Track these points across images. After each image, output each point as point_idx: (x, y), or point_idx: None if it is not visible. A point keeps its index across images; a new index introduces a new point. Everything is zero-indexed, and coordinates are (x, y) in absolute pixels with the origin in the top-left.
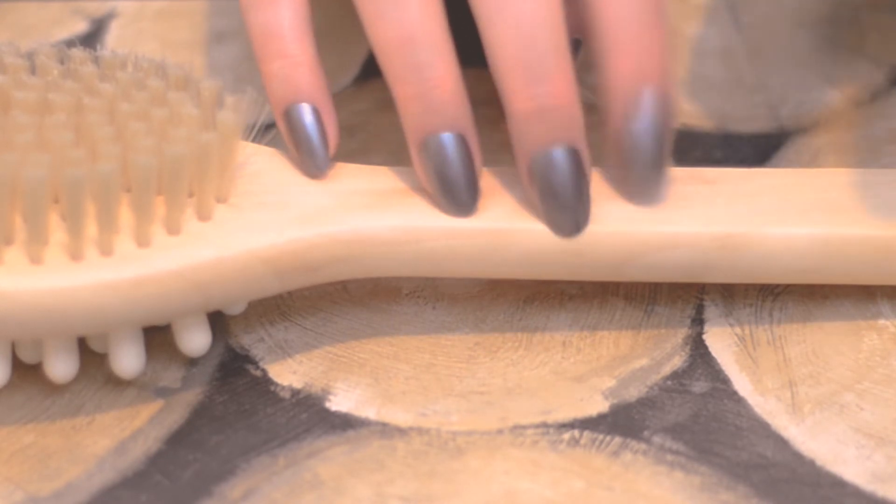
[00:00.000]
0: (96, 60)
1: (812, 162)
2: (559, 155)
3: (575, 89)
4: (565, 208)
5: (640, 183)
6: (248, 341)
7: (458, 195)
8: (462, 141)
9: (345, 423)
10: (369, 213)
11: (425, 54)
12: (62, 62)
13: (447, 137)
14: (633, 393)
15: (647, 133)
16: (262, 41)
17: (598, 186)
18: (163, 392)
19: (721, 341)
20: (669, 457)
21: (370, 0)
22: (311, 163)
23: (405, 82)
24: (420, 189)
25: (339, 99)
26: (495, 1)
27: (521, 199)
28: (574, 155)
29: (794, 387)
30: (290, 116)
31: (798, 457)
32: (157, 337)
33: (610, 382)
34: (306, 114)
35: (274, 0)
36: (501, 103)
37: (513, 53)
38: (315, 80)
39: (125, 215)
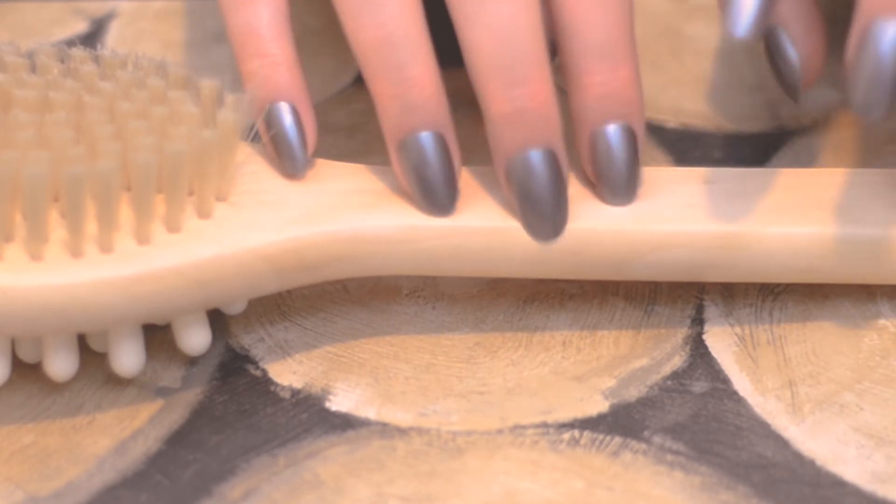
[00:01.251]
0: (96, 59)
1: (812, 162)
2: (536, 157)
3: (552, 91)
4: (543, 211)
5: (614, 197)
6: (248, 341)
7: (436, 195)
8: (441, 140)
9: (345, 423)
10: (369, 213)
11: (404, 54)
12: (62, 61)
13: (426, 136)
14: (633, 393)
15: (613, 167)
16: (241, 41)
17: None
18: (163, 392)
19: (721, 341)
20: (669, 457)
21: (348, 0)
22: (289, 162)
23: (383, 81)
24: None
25: (339, 99)
26: (472, 2)
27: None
28: (551, 157)
29: (794, 387)
30: (269, 116)
31: (798, 457)
32: (157, 336)
33: (610, 382)
34: (285, 113)
35: (253, 0)
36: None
37: (489, 56)
38: (294, 80)
39: (125, 213)
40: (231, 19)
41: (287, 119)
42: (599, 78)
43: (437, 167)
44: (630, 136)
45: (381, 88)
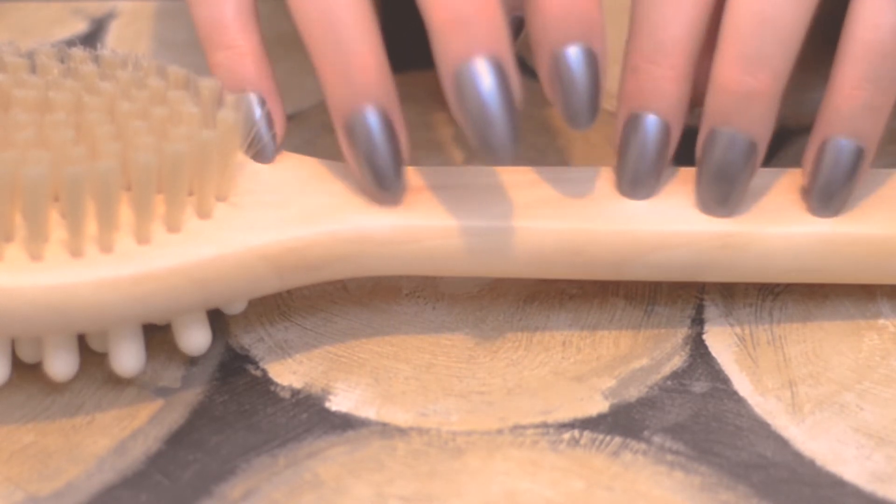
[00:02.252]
0: (96, 60)
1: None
2: (481, 66)
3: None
4: (493, 121)
5: (574, 128)
6: (248, 341)
7: (383, 173)
8: (385, 117)
9: (345, 423)
10: (369, 212)
11: (348, 32)
12: (62, 61)
13: (371, 114)
14: (633, 393)
15: (574, 92)
16: (207, 32)
17: (598, 186)
18: (163, 392)
19: (721, 341)
20: (669, 457)
21: None
22: (260, 152)
23: (328, 61)
24: (420, 188)
25: None
26: None
27: (521, 199)
28: (498, 66)
29: (794, 387)
30: (238, 107)
31: (798, 457)
32: (157, 336)
33: (610, 382)
34: (253, 104)
35: None
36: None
37: None
38: (260, 70)
39: (125, 213)
40: (197, 12)
41: (256, 110)
42: None
43: (384, 145)
44: (591, 58)
45: (325, 67)
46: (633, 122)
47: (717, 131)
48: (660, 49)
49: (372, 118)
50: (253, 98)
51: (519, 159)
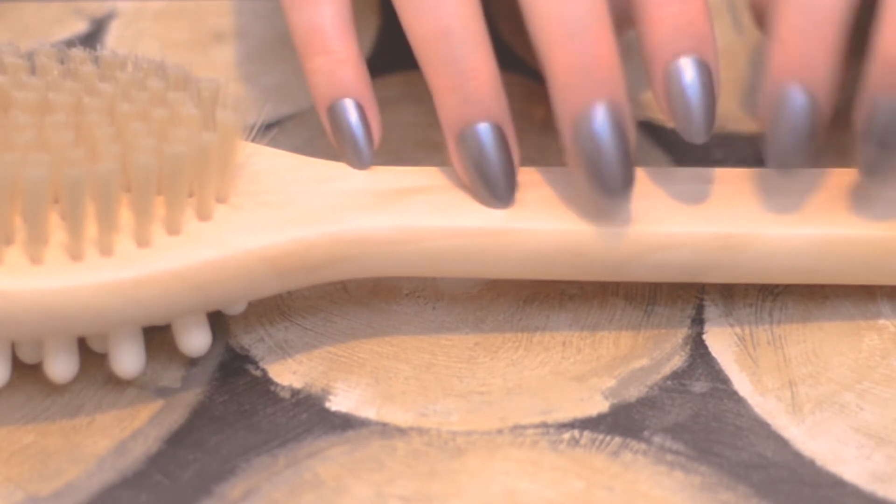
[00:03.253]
0: (96, 60)
1: (813, 162)
2: (601, 112)
3: (615, 45)
4: (610, 169)
5: (691, 131)
6: (248, 341)
7: (495, 186)
8: (499, 131)
9: (345, 423)
10: (369, 213)
11: (462, 47)
12: (62, 62)
13: (484, 128)
14: (633, 393)
15: (690, 104)
16: (306, 38)
17: None
18: (163, 392)
19: (721, 341)
20: (669, 457)
21: None
22: (355, 158)
23: (442, 75)
24: (420, 189)
25: None
26: None
27: (520, 199)
28: (617, 112)
29: (794, 387)
30: (335, 112)
31: (798, 457)
32: (157, 337)
33: (610, 382)
34: (350, 110)
35: None
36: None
37: (551, 12)
38: (359, 76)
39: (125, 215)
40: (294, 16)
41: (353, 115)
42: (670, 10)
43: (496, 158)
44: (705, 69)
45: (440, 81)
46: (782, 95)
47: (878, 101)
48: (812, 23)
49: (485, 132)
50: (351, 104)
51: (519, 159)
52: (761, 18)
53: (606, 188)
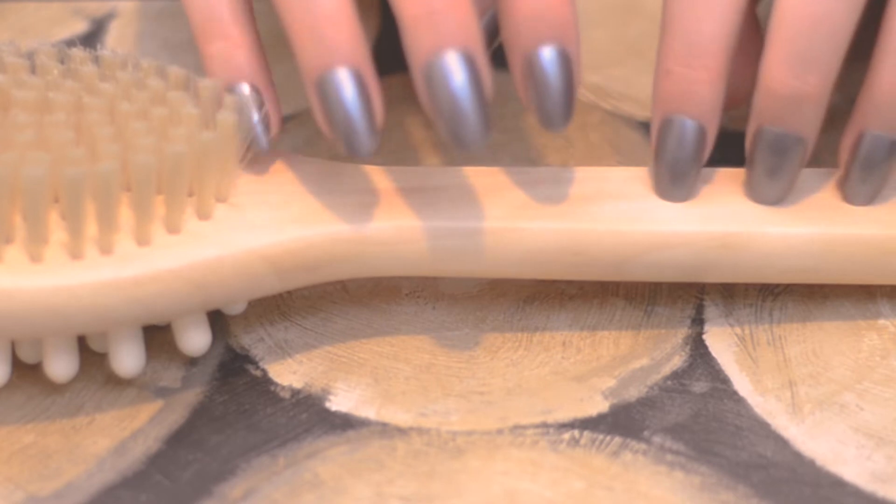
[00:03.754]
0: (96, 60)
1: (812, 162)
2: (453, 59)
3: None
4: (463, 116)
5: (550, 122)
6: (248, 341)
7: (356, 131)
8: (359, 76)
9: (345, 423)
10: (369, 213)
11: None
12: (62, 62)
13: (343, 73)
14: (633, 393)
15: (549, 95)
16: (202, 24)
17: (599, 186)
18: (163, 392)
19: (721, 341)
20: (669, 457)
21: None
22: (253, 143)
23: (298, 19)
24: (420, 188)
25: None
26: None
27: (520, 199)
28: (470, 60)
29: (794, 387)
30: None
31: (798, 457)
32: (157, 337)
33: (610, 382)
34: (245, 94)
35: None
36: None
37: None
38: (255, 62)
39: (125, 214)
40: (191, 4)
41: (247, 101)
42: None
43: (356, 103)
44: (565, 60)
45: (296, 26)
46: (668, 125)
47: (765, 129)
48: (693, 51)
49: (344, 76)
50: (246, 89)
51: (519, 159)
52: None
53: (462, 138)
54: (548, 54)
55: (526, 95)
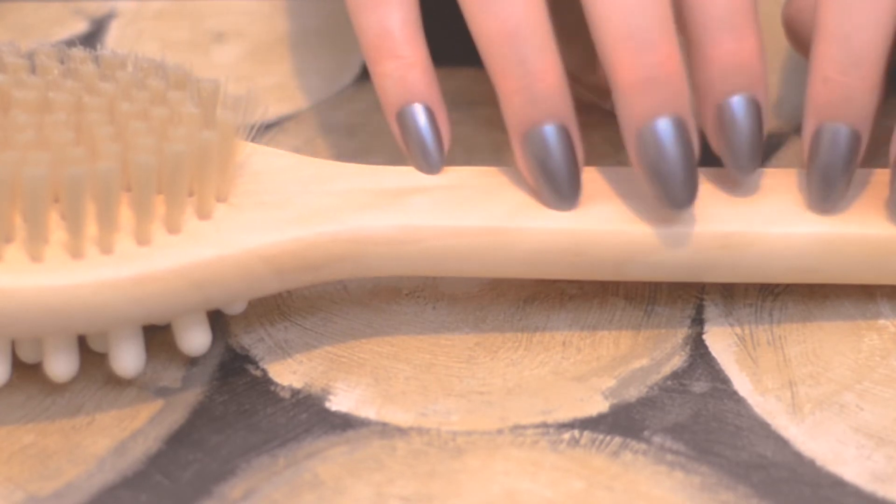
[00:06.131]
0: (96, 60)
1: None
2: (666, 126)
3: (681, 61)
4: (674, 181)
5: (739, 175)
6: (248, 341)
7: (560, 187)
8: (565, 132)
9: (345, 423)
10: (369, 213)
11: (529, 48)
12: (62, 62)
13: (550, 129)
14: (633, 393)
15: (739, 140)
16: (374, 42)
17: (599, 186)
18: (163, 392)
19: (721, 341)
20: (669, 457)
21: None
22: (425, 163)
23: (509, 76)
24: (420, 188)
25: (339, 99)
26: None
27: (520, 199)
28: (681, 126)
29: (794, 387)
30: (404, 117)
31: (798, 457)
32: (157, 337)
33: (610, 382)
34: (420, 115)
35: (384, 1)
36: (606, 78)
37: (618, 24)
38: (428, 82)
39: (125, 214)
40: (362, 20)
41: (422, 120)
42: (724, 49)
43: (561, 159)
44: (756, 107)
45: (506, 83)
46: (824, 133)
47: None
48: (852, 59)
49: (550, 133)
50: (420, 109)
51: None
52: (796, 39)
53: (672, 200)
54: (738, 102)
55: (717, 142)
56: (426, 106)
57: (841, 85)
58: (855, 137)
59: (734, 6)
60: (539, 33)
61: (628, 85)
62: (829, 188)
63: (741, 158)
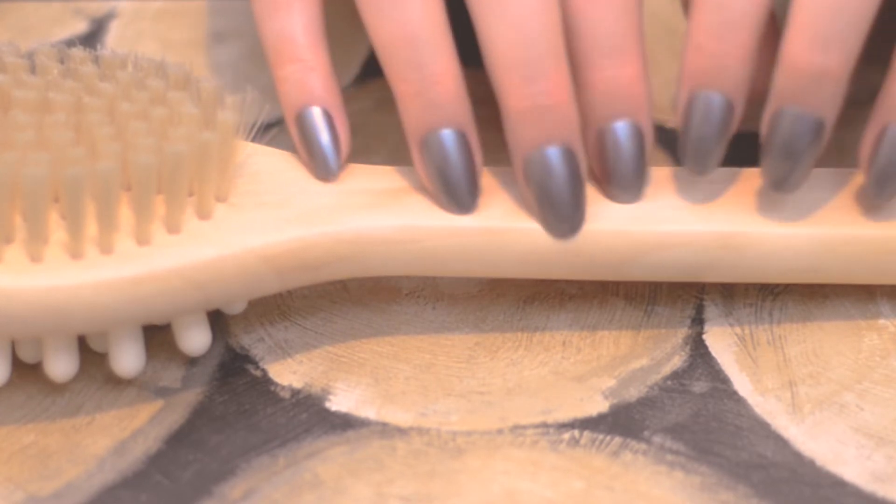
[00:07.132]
0: (96, 60)
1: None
2: (554, 155)
3: (571, 89)
4: (561, 210)
5: (622, 194)
6: (248, 341)
7: (458, 193)
8: (462, 138)
9: (345, 423)
10: (369, 213)
11: (426, 52)
12: (62, 62)
13: (447, 134)
14: (633, 393)
15: (620, 166)
16: (276, 46)
17: (599, 185)
18: (163, 392)
19: (721, 341)
20: (669, 457)
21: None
22: (323, 167)
23: (406, 80)
24: (420, 188)
25: None
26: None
27: (521, 199)
28: (569, 155)
29: (794, 387)
30: (302, 120)
31: (798, 457)
32: (157, 337)
33: (610, 382)
34: (318, 118)
35: (288, 6)
36: (498, 102)
37: (508, 51)
38: (327, 85)
39: (125, 214)
40: (266, 25)
41: (319, 124)
42: (606, 74)
43: (459, 165)
44: (637, 133)
45: (404, 87)
46: (696, 100)
47: (784, 111)
48: (725, 26)
49: (448, 137)
50: (318, 112)
51: None
52: (685, 8)
53: (558, 226)
54: (621, 128)
55: (599, 167)
56: (324, 109)
57: (714, 52)
58: (728, 106)
59: (617, 31)
60: (436, 38)
61: (517, 112)
62: (702, 158)
63: (623, 185)
